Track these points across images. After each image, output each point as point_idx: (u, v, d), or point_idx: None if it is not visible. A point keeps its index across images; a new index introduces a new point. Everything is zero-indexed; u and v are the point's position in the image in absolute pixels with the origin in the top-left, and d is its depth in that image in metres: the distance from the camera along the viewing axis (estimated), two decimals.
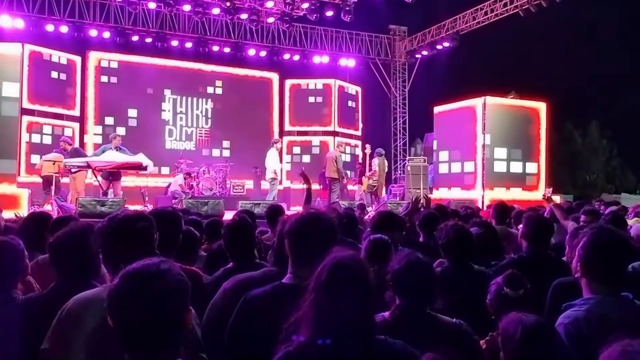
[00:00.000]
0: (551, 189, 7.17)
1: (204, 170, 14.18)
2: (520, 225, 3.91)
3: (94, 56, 16.14)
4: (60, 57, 14.93)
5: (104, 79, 16.15)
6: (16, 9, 15.31)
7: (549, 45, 30.76)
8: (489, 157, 13.64)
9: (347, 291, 1.68)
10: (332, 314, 1.66)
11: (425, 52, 19.82)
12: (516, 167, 14.09)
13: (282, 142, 14.42)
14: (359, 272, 1.73)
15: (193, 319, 1.95)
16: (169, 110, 17.21)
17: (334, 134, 17.99)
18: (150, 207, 11.31)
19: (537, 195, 13.02)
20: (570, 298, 2.36)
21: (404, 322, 2.23)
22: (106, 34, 16.40)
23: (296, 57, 19.00)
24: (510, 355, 1.91)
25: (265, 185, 15.32)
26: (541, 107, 14.71)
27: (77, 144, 13.72)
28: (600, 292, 2.26)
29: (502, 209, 5.68)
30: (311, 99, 18.42)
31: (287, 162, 17.67)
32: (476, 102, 13.98)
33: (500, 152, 13.87)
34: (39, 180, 11.75)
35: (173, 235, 2.96)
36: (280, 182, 14.37)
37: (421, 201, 6.05)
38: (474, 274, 3.19)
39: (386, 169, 14.03)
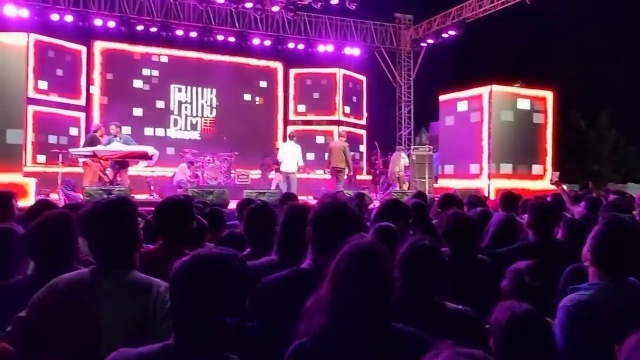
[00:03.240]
0: (558, 172, 7.08)
1: (208, 160, 14.14)
2: (526, 215, 3.89)
3: (99, 45, 16.11)
4: (65, 46, 14.91)
5: (109, 68, 16.13)
6: None
7: (556, 33, 30.50)
8: (494, 145, 13.56)
9: (367, 278, 1.67)
10: (350, 301, 1.65)
11: (430, 41, 19.66)
12: (523, 156, 13.99)
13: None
14: (379, 259, 1.72)
15: None
16: (173, 100, 17.20)
17: (339, 123, 17.93)
18: (156, 196, 11.36)
19: (543, 184, 12.95)
20: (583, 283, 2.35)
21: (409, 308, 2.22)
22: (111, 24, 16.33)
23: (301, 46, 18.91)
24: (496, 341, 1.94)
25: (271, 175, 15.31)
26: (548, 95, 14.60)
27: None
28: (605, 279, 2.25)
29: (508, 198, 5.64)
30: (316, 88, 18.36)
31: None
32: (482, 91, 13.89)
33: (507, 141, 13.77)
34: (45, 170, 11.79)
35: (186, 223, 2.96)
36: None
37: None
38: (475, 263, 3.17)
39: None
